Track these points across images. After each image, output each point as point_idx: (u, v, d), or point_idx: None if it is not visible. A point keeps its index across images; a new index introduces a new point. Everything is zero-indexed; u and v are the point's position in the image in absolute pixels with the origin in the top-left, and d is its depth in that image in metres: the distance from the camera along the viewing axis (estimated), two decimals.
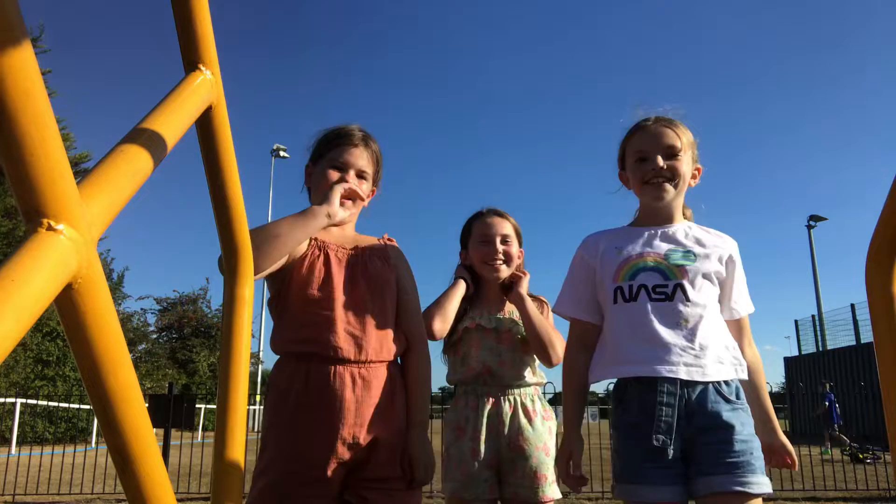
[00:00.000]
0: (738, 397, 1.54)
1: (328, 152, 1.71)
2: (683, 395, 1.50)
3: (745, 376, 1.59)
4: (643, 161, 1.67)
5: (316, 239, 1.64)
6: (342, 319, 1.55)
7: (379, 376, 1.57)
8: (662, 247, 1.64)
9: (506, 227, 2.14)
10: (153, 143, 0.71)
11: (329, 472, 1.50)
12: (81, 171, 18.53)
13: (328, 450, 1.50)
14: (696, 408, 1.50)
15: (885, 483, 7.34)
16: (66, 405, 15.90)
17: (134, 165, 0.66)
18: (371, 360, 1.57)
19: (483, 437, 1.96)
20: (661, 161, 1.64)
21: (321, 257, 1.61)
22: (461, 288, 2.08)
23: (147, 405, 6.89)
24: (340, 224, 1.69)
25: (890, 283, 0.94)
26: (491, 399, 2.01)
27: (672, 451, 1.47)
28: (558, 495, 1.97)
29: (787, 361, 22.62)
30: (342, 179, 1.66)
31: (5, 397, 14.41)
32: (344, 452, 1.52)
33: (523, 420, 1.98)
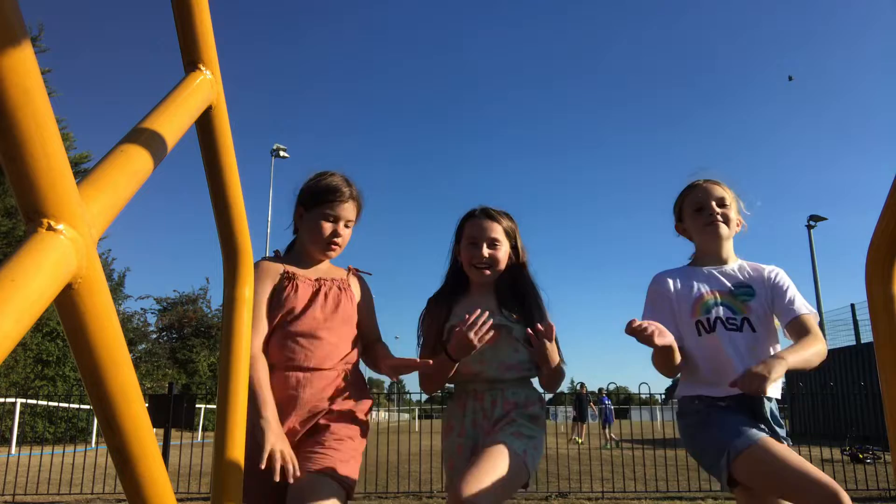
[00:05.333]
0: (780, 412, 1.95)
1: (321, 205, 2.03)
2: (762, 404, 1.88)
3: (774, 394, 1.93)
4: (700, 210, 2.05)
5: (287, 270, 2.02)
6: (303, 335, 1.92)
7: (327, 377, 1.92)
8: (727, 285, 2.00)
9: (495, 231, 2.12)
10: (153, 143, 0.70)
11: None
12: (81, 171, 18.52)
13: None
14: (767, 413, 1.89)
15: (885, 483, 7.33)
16: (66, 405, 15.89)
17: (134, 165, 0.66)
18: (321, 367, 1.92)
19: (467, 433, 2.02)
20: (716, 207, 2.02)
21: (293, 286, 1.98)
22: (449, 367, 2.07)
23: (147, 405, 6.88)
24: None
25: (890, 283, 0.94)
26: (477, 395, 2.05)
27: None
28: (519, 444, 1.92)
29: None
30: (334, 231, 2.03)
31: (5, 397, 14.38)
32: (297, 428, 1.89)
33: (501, 408, 2.00)
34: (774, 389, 1.92)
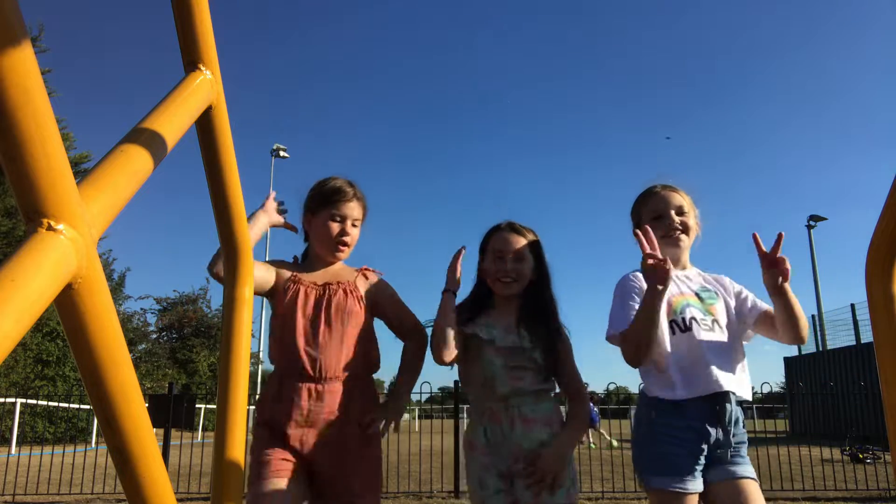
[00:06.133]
0: (742, 411, 1.96)
1: (327, 206, 2.06)
2: (728, 405, 1.87)
3: (749, 396, 1.95)
4: (659, 218, 2.03)
5: (294, 274, 2.03)
6: (303, 343, 1.93)
7: (333, 391, 1.93)
8: (693, 287, 2.01)
9: (521, 245, 2.11)
10: (153, 143, 0.70)
11: (290, 455, 1.89)
12: (81, 171, 18.52)
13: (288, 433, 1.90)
14: (730, 415, 1.89)
15: (885, 483, 7.34)
16: (66, 405, 15.89)
17: (134, 165, 0.66)
18: (327, 377, 1.92)
19: (491, 450, 2.00)
20: (675, 216, 2.02)
21: (295, 291, 1.99)
22: (448, 302, 2.06)
23: (147, 405, 6.88)
24: None
25: (890, 283, 0.94)
26: (495, 412, 2.03)
27: (723, 447, 1.86)
28: (565, 501, 1.95)
29: (787, 361, 22.53)
30: (342, 231, 2.05)
31: (5, 397, 14.38)
32: (297, 443, 1.90)
33: (521, 428, 1.98)
34: (743, 389, 1.91)
